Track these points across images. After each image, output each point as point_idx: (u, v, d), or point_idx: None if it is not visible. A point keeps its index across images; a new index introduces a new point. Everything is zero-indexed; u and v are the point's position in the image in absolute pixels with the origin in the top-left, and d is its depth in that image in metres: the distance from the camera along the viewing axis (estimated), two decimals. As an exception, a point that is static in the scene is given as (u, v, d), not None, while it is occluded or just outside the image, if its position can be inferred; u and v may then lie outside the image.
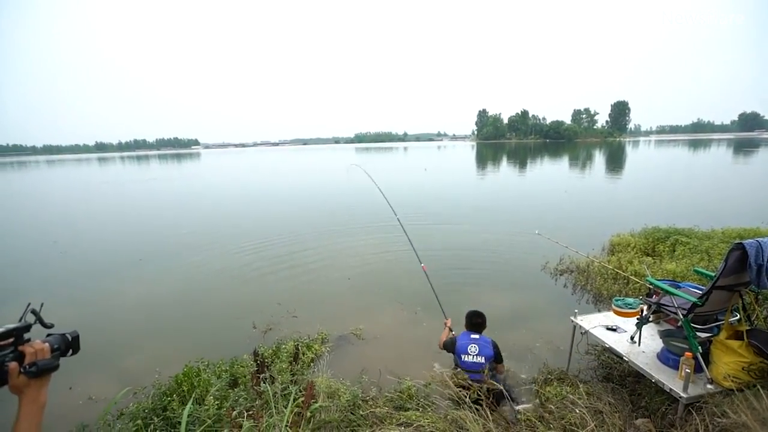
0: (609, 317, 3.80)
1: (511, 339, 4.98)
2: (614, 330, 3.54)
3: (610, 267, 6.05)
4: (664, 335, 3.06)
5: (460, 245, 9.38)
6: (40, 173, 51.67)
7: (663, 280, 3.70)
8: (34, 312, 1.22)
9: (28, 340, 1.10)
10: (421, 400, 3.51)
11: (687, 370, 2.62)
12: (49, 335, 1.17)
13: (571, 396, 3.31)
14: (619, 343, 3.34)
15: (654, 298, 3.29)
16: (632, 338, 3.31)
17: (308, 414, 2.71)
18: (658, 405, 3.02)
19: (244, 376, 3.75)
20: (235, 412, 2.82)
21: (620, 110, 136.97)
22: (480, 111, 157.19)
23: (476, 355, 3.28)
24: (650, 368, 2.96)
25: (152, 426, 2.96)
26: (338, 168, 39.39)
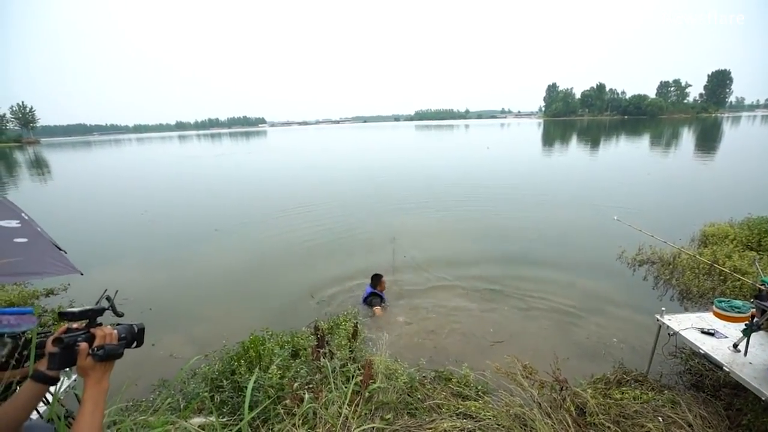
0: (704, 319, 3.33)
1: (583, 332, 4.63)
2: (711, 334, 3.08)
3: (704, 260, 5.32)
4: (780, 346, 2.59)
5: (528, 228, 8.88)
6: (132, 149, 57.69)
7: (779, 280, 3.13)
8: (108, 299, 1.26)
9: (100, 324, 1.13)
10: (480, 388, 3.39)
11: (812, 391, 2.19)
12: (118, 324, 1.20)
13: (653, 402, 2.99)
14: (718, 350, 2.90)
15: (768, 302, 2.78)
16: (736, 346, 2.85)
17: (366, 394, 2.71)
18: (766, 426, 2.59)
19: (305, 349, 3.86)
20: (296, 384, 2.91)
21: (719, 81, 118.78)
22: (549, 85, 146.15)
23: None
24: (760, 383, 2.53)
25: (222, 388, 3.16)
26: (399, 146, 39.18)
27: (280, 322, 5.05)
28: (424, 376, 3.60)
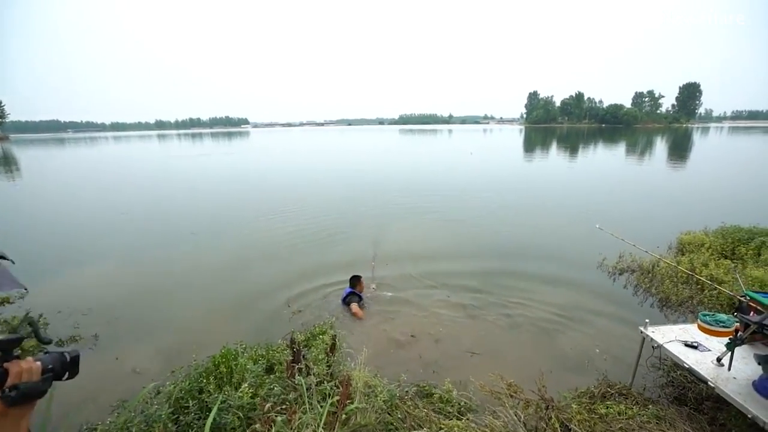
0: (688, 331, 3.30)
1: (565, 342, 4.57)
2: (695, 347, 3.04)
3: (682, 269, 5.37)
4: (764, 361, 2.56)
5: (511, 234, 8.89)
6: (108, 148, 55.65)
7: (761, 293, 3.12)
8: (31, 323, 1.04)
9: (17, 356, 0.92)
10: (462, 404, 3.27)
11: (798, 410, 2.14)
12: (46, 352, 1.00)
13: (638, 417, 2.92)
14: (702, 363, 2.86)
15: (752, 315, 2.76)
16: (719, 360, 2.81)
17: (343, 416, 2.54)
18: (752, 443, 2.55)
19: (280, 363, 3.66)
20: (267, 405, 2.71)
21: (690, 93, 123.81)
22: (530, 93, 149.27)
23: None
24: (745, 400, 2.48)
25: (188, 409, 2.93)
26: (383, 150, 39.12)
27: (255, 333, 4.82)
28: (405, 392, 3.47)
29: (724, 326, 2.67)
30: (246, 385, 3.06)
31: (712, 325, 2.71)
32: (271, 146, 49.70)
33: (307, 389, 2.93)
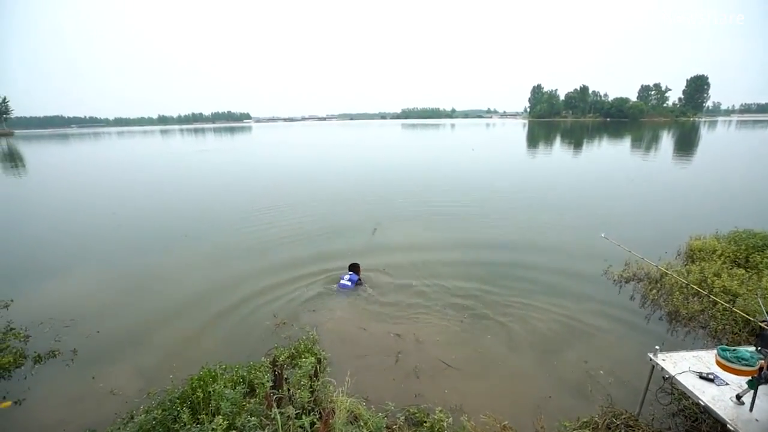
0: (701, 359, 3.02)
1: (566, 361, 4.31)
2: (711, 380, 2.77)
3: (693, 284, 5.06)
4: (791, 403, 2.28)
5: (512, 239, 8.56)
6: (113, 143, 55.50)
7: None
8: None
9: None
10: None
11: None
12: None
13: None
14: (719, 401, 2.59)
15: (776, 349, 2.48)
16: (739, 398, 2.54)
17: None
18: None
19: (262, 384, 3.43)
20: (240, 446, 2.48)
21: (697, 86, 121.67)
22: (534, 87, 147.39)
23: (348, 280, 6.07)
24: (769, 448, 2.21)
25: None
26: (385, 146, 38.72)
27: (238, 348, 4.62)
28: (396, 418, 3.24)
29: (746, 364, 2.39)
30: (220, 417, 2.83)
31: (732, 362, 2.43)
32: (273, 142, 49.32)
33: (283, 425, 2.70)
